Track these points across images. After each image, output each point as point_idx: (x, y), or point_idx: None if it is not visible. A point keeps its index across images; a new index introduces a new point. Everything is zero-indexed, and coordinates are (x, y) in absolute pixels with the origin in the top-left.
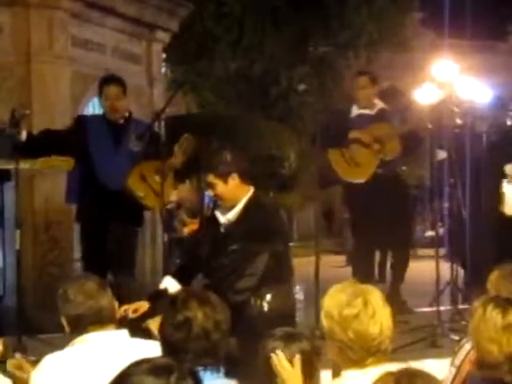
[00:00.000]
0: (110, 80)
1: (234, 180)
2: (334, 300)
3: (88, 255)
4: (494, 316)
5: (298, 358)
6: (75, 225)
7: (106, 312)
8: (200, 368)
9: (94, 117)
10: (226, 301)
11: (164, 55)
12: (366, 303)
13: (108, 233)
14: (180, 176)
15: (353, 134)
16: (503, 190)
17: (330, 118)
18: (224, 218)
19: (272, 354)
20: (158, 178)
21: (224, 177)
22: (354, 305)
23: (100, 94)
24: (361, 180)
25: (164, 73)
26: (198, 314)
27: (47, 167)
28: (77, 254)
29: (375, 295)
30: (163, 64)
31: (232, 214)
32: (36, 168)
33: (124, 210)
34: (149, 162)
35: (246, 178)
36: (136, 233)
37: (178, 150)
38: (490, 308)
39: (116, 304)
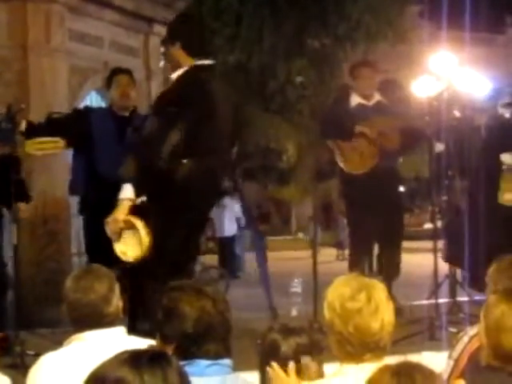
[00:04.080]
0: (120, 70)
1: (175, 47)
2: (338, 292)
3: (93, 248)
4: None
5: (292, 366)
6: (73, 219)
7: (108, 318)
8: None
9: (99, 109)
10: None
11: (162, 48)
12: (369, 298)
13: None
14: None
15: (359, 128)
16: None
17: (331, 107)
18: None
19: (268, 368)
20: None
21: (169, 42)
22: (357, 299)
23: (109, 85)
24: (363, 171)
25: (162, 66)
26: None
27: (37, 149)
28: (74, 248)
29: (379, 290)
30: (161, 57)
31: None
32: (27, 151)
33: None
34: None
35: (189, 50)
36: None
37: None
38: None
39: (121, 304)
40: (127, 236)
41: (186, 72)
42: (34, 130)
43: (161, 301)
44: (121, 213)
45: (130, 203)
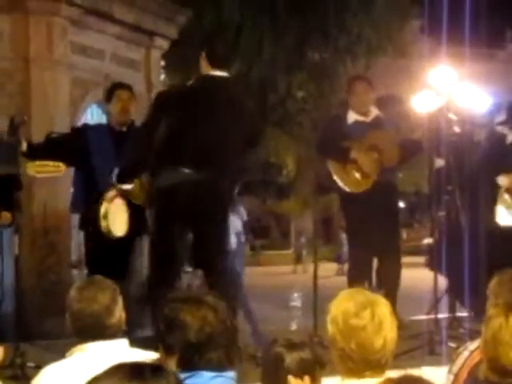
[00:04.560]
0: (121, 84)
1: (202, 55)
2: (342, 307)
3: (94, 262)
4: None
5: (307, 379)
6: (73, 230)
7: (111, 330)
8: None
9: (97, 126)
10: None
11: (163, 62)
12: (373, 316)
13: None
14: None
15: (347, 144)
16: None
17: (327, 125)
18: None
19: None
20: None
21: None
22: (362, 316)
23: (109, 99)
24: (362, 190)
25: (162, 79)
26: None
27: (37, 172)
28: (74, 259)
29: (382, 306)
30: (162, 71)
31: None
32: (27, 172)
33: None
34: None
35: (211, 61)
36: (138, 240)
37: None
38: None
39: (123, 316)
40: None
41: (196, 79)
42: (34, 151)
43: (162, 312)
44: (106, 194)
45: (110, 187)
